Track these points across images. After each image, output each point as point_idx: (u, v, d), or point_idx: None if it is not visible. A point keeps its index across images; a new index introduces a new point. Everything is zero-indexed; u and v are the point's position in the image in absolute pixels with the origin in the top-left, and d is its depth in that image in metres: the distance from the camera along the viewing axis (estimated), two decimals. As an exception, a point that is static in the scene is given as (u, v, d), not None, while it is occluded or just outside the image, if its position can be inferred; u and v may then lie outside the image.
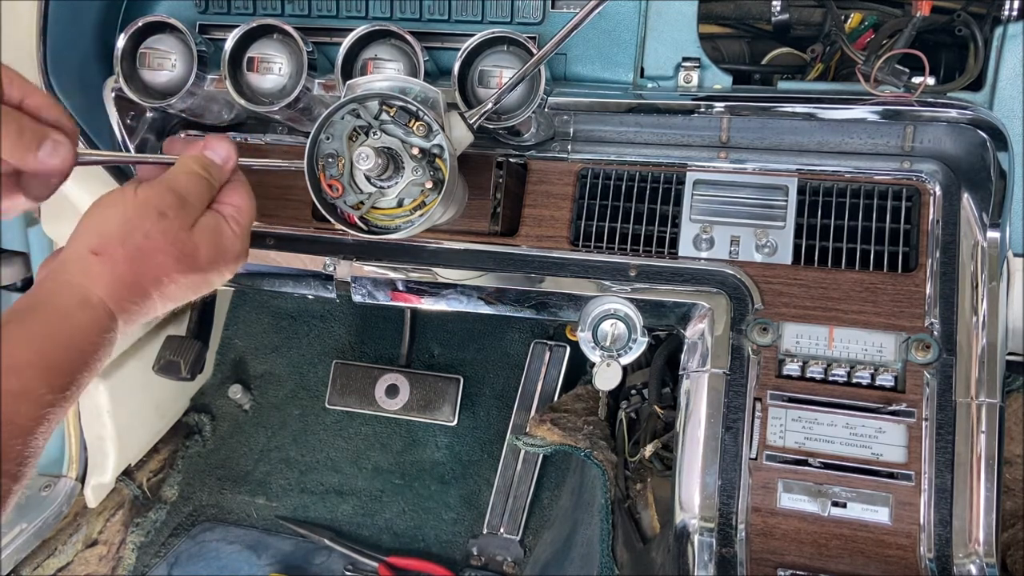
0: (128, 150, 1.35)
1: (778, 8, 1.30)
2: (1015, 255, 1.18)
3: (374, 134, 1.06)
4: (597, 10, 1.02)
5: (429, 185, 1.06)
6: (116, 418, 1.89)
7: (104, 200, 0.88)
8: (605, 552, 1.49)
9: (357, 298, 1.39)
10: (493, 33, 1.16)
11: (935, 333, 1.16)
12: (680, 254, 1.25)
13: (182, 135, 1.41)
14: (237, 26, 1.21)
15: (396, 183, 1.07)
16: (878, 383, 1.16)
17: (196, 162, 0.95)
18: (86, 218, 0.87)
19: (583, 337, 1.26)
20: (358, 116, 1.06)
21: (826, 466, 1.15)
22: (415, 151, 1.06)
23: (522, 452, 2.05)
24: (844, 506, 1.14)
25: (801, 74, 1.34)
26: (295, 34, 1.20)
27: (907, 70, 1.13)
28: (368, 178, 1.07)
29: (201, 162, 0.96)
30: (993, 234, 1.15)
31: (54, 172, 0.89)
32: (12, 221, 1.75)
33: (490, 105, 1.09)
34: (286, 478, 2.25)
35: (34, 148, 0.86)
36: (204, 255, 0.91)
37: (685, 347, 1.26)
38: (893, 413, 1.15)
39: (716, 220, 1.25)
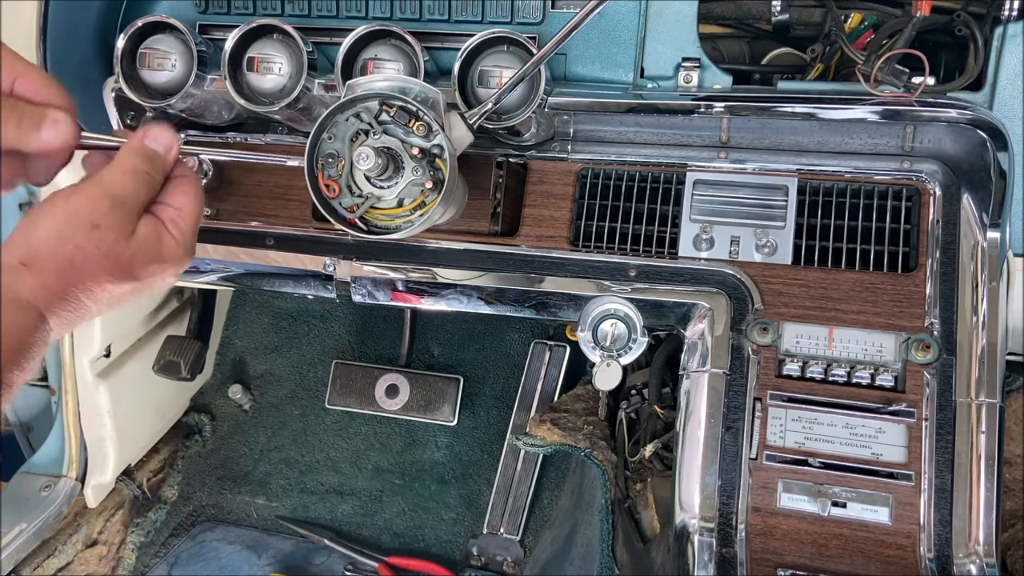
0: None
1: (778, 8, 1.31)
2: (1015, 255, 1.18)
3: (374, 134, 1.06)
4: (597, 10, 1.02)
5: (429, 185, 1.06)
6: (116, 418, 1.89)
7: (37, 209, 0.84)
8: (605, 552, 1.49)
9: (357, 298, 1.39)
10: (493, 33, 1.16)
11: (935, 333, 1.16)
12: (680, 254, 1.25)
13: (182, 135, 1.41)
14: (237, 26, 1.21)
15: (396, 183, 1.07)
16: (878, 383, 1.16)
17: (137, 155, 0.88)
18: (19, 226, 0.83)
19: (583, 337, 1.26)
20: (361, 119, 1.06)
21: (826, 466, 1.15)
22: (415, 151, 1.06)
23: (522, 452, 2.05)
24: (844, 506, 1.14)
25: (801, 74, 1.34)
26: (295, 34, 1.21)
27: (907, 70, 1.13)
28: (368, 178, 1.07)
29: (143, 153, 0.89)
30: (993, 234, 1.15)
31: (58, 151, 0.87)
32: (10, 210, 1.75)
33: (490, 105, 1.09)
34: (286, 478, 2.24)
35: (35, 131, 0.85)
36: (140, 264, 0.85)
37: (685, 347, 1.26)
38: (893, 413, 1.15)
39: (716, 220, 1.25)
